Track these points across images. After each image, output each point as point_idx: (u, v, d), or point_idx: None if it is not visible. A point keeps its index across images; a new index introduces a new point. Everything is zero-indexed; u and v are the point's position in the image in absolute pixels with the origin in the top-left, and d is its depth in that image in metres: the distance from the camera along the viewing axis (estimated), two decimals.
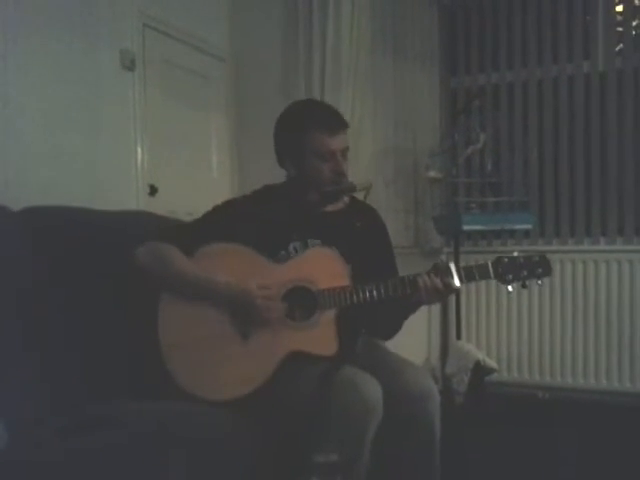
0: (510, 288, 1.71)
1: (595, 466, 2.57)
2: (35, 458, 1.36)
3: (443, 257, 3.78)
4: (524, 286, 1.71)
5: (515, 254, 1.71)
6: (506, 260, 1.70)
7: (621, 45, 3.58)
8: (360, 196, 1.90)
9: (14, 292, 1.73)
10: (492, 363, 3.39)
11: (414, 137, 3.70)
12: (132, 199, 2.81)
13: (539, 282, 1.71)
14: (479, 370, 3.31)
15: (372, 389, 1.54)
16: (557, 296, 3.51)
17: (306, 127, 1.80)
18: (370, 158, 3.61)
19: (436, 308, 3.64)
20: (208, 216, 1.84)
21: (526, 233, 3.67)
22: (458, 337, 3.55)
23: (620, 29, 3.60)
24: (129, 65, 2.77)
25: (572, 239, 3.63)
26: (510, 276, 1.69)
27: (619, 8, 3.58)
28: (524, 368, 3.60)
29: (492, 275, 1.69)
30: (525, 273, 1.70)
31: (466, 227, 3.35)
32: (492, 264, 1.70)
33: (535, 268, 1.70)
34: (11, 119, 2.23)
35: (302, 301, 1.70)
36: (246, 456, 1.58)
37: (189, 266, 1.71)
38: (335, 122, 1.81)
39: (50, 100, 2.39)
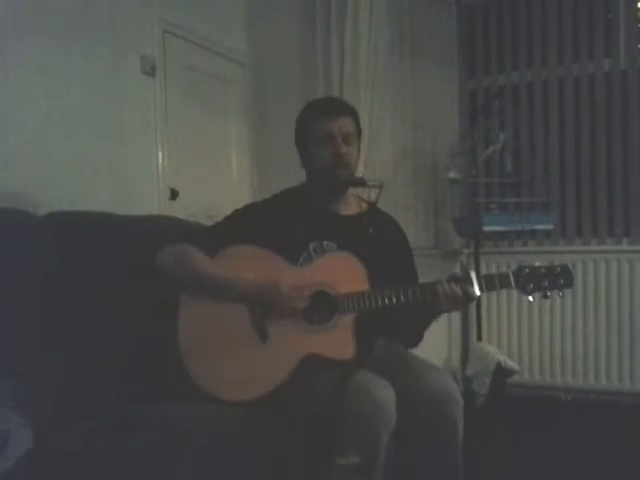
0: (531, 298, 1.69)
1: (618, 468, 2.54)
2: (61, 460, 1.38)
3: (463, 258, 3.77)
4: (545, 297, 1.69)
5: (537, 264, 1.69)
6: (527, 270, 1.68)
7: None
8: (373, 195, 1.90)
9: (39, 295, 1.77)
10: (513, 365, 3.36)
11: (433, 138, 3.70)
12: (153, 203, 2.84)
13: (560, 294, 1.69)
14: (500, 372, 3.29)
15: (385, 394, 1.53)
16: (579, 296, 3.48)
17: (307, 117, 1.88)
18: (389, 159, 3.61)
19: None
20: (229, 219, 1.86)
21: (547, 233, 3.65)
22: (479, 338, 3.53)
23: None
24: (150, 71, 2.80)
25: (594, 239, 3.60)
26: (531, 286, 1.68)
27: None
28: (546, 370, 3.57)
29: (513, 285, 1.68)
30: (546, 283, 1.68)
31: (486, 228, 3.34)
32: (513, 274, 1.68)
33: (557, 279, 1.68)
34: (34, 125, 2.27)
35: (321, 305, 1.70)
36: (262, 457, 1.59)
37: (209, 265, 1.73)
38: (333, 106, 1.87)
39: (72, 105, 2.43)
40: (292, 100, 3.35)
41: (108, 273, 1.96)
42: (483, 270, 3.56)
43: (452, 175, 3.51)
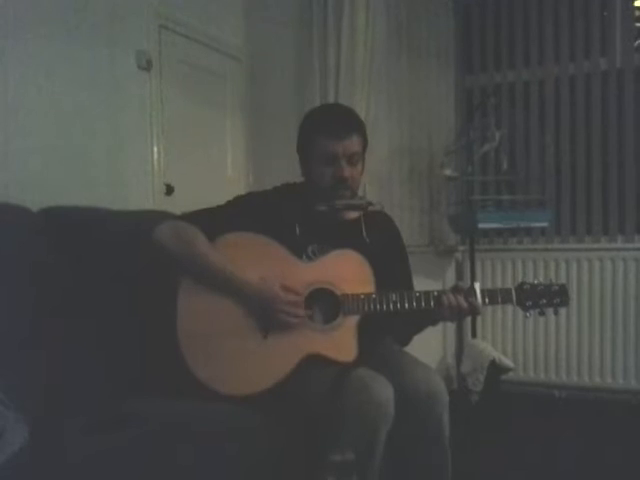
0: (527, 314, 1.75)
1: (613, 465, 2.56)
2: (56, 456, 1.38)
3: (459, 256, 3.77)
4: (542, 314, 1.76)
5: (535, 281, 1.75)
6: (527, 287, 1.74)
7: (639, 41, 3.55)
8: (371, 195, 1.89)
9: (34, 291, 1.76)
10: (508, 362, 3.37)
11: (429, 136, 3.70)
12: (149, 198, 2.82)
13: (555, 313, 1.76)
14: (495, 369, 3.30)
15: (383, 390, 1.53)
16: (574, 294, 3.49)
17: (311, 132, 1.79)
18: (385, 156, 3.61)
19: None
20: (231, 204, 1.82)
21: (542, 231, 3.66)
22: (473, 336, 3.54)
23: (638, 25, 3.56)
24: (145, 65, 2.78)
25: (589, 237, 3.61)
26: (530, 303, 1.74)
27: (637, 3, 3.54)
28: (540, 367, 3.59)
29: (514, 301, 1.73)
30: (544, 301, 1.75)
31: (482, 225, 3.34)
32: (515, 290, 1.74)
33: (553, 297, 1.75)
34: (28, 119, 2.26)
35: (325, 303, 1.70)
36: (260, 453, 1.58)
37: (213, 253, 1.69)
38: (341, 126, 1.76)
39: (67, 100, 2.41)
40: (288, 96, 3.36)
41: (103, 268, 1.96)
42: (478, 267, 3.57)
43: (448, 173, 3.52)
